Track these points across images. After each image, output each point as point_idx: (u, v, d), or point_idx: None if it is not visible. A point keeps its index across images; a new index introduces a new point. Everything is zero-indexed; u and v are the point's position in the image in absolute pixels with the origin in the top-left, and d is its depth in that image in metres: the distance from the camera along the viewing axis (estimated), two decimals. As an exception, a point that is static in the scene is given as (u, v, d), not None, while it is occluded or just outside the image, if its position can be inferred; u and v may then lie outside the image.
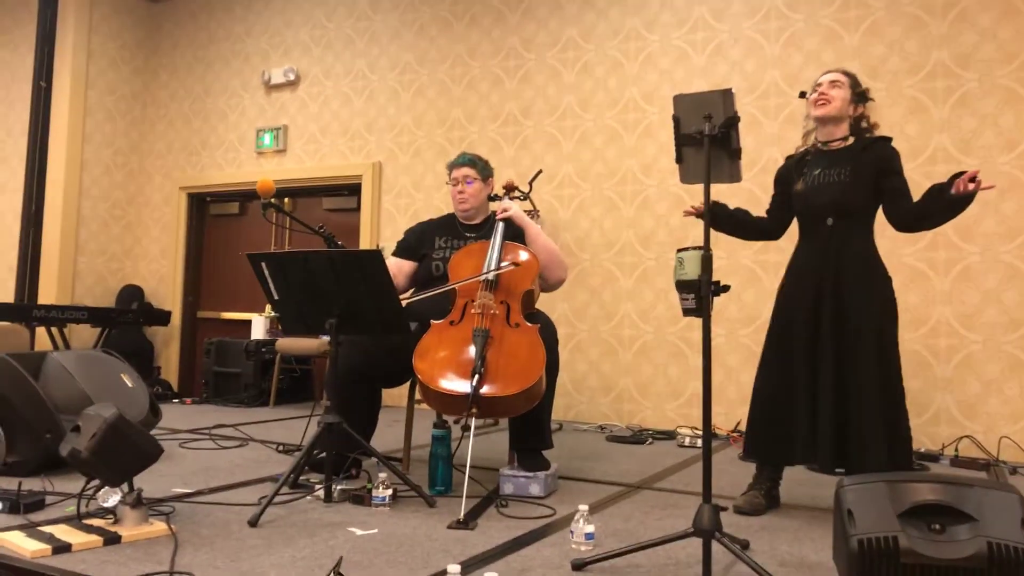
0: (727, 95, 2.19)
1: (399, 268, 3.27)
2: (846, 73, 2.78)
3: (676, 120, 2.24)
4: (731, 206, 2.91)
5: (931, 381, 4.15)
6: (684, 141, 2.25)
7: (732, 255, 4.61)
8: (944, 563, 1.23)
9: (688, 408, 4.73)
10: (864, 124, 2.76)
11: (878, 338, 2.60)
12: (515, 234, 3.21)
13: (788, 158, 2.91)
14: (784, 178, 2.88)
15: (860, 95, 2.75)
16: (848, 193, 2.66)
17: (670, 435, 4.44)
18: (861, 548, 1.28)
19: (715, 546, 2.01)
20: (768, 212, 2.97)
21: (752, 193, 4.58)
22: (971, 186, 2.44)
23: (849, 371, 2.59)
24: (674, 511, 2.68)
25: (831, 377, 2.59)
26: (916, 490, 1.31)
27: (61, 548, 2.01)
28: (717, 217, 2.81)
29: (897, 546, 1.25)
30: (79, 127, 6.36)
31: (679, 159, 2.28)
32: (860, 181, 2.66)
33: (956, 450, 3.95)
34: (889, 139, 2.75)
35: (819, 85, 2.75)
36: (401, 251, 3.34)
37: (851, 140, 2.74)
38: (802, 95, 2.79)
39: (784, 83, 4.62)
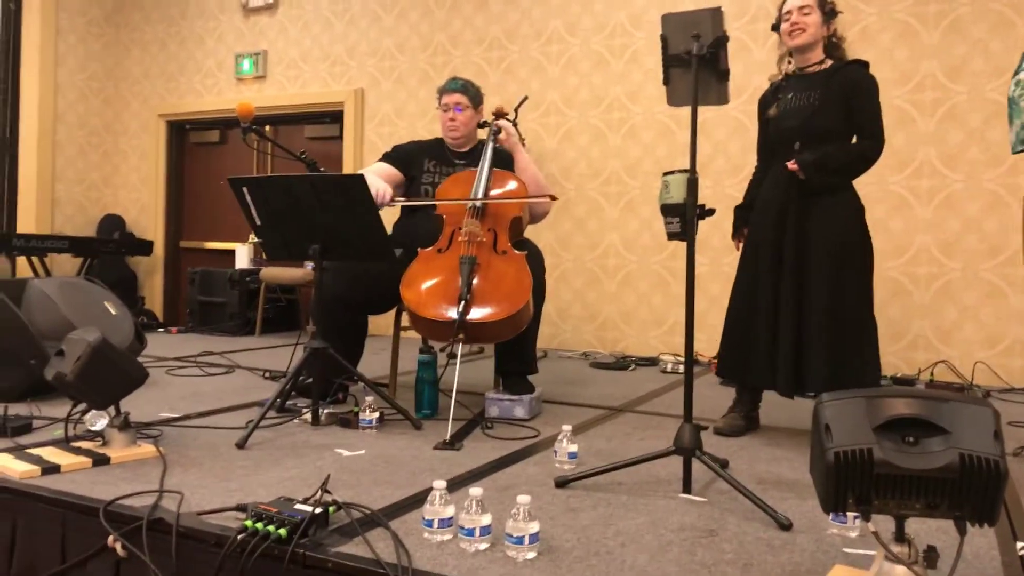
0: (716, 14, 2.14)
1: (389, 173, 3.20)
2: None
3: (664, 40, 2.20)
4: (743, 200, 2.98)
5: (910, 308, 4.20)
6: (672, 62, 2.20)
7: (717, 183, 4.60)
8: (917, 473, 1.27)
9: (670, 336, 4.78)
10: (835, 40, 2.72)
11: (837, 266, 2.57)
12: (504, 160, 3.17)
13: (771, 82, 2.88)
14: (764, 104, 2.85)
15: (829, 12, 2.69)
16: (816, 117, 2.62)
17: (652, 362, 4.50)
18: (837, 460, 1.31)
19: (695, 464, 2.06)
20: (759, 148, 2.94)
21: (740, 121, 4.55)
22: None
23: (810, 297, 2.59)
24: (656, 432, 2.74)
25: (792, 303, 2.61)
26: (892, 404, 1.33)
27: (50, 469, 2.03)
28: (745, 210, 2.91)
29: (872, 457, 1.28)
30: (51, 50, 6.16)
31: (666, 80, 2.24)
32: (828, 105, 2.61)
33: (932, 374, 4.03)
34: (865, 63, 2.71)
35: (789, 14, 2.69)
36: (391, 159, 3.28)
37: (827, 63, 2.70)
38: (774, 28, 2.75)
39: (773, 7, 4.50)
